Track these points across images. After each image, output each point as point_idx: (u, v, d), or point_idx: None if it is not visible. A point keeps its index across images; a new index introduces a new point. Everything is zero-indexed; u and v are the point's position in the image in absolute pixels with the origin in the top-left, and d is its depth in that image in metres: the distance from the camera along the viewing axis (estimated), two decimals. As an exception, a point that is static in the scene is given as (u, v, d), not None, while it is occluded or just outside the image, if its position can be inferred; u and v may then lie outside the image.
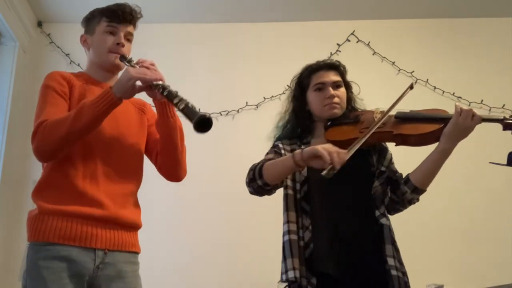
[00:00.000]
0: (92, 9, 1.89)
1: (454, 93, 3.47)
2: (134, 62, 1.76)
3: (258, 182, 1.74)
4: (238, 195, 3.31)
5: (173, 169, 1.84)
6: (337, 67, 1.94)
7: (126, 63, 1.79)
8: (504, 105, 3.42)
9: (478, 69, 3.58)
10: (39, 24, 3.69)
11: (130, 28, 1.85)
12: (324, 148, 1.57)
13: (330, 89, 1.87)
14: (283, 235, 1.75)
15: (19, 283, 3.29)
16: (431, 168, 1.73)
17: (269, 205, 3.21)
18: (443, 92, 3.49)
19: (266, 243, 3.22)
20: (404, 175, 1.81)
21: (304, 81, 1.94)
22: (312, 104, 1.90)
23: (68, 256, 1.59)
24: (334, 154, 1.55)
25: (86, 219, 1.63)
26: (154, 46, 3.63)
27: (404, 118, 1.78)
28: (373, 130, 1.72)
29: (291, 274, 1.65)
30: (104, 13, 1.82)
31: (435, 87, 3.50)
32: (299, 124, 1.88)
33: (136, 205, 1.81)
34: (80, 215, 1.62)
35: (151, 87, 1.65)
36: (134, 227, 1.78)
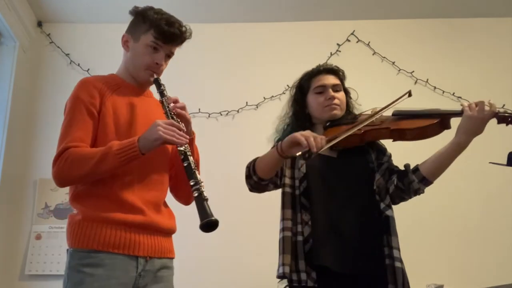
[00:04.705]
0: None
1: (454, 93, 3.48)
2: (167, 96, 1.76)
3: (254, 178, 1.84)
4: (238, 194, 3.32)
5: (186, 195, 1.87)
6: (336, 72, 1.99)
7: (158, 92, 1.78)
8: (504, 105, 3.42)
9: (478, 69, 3.58)
10: (39, 24, 3.68)
11: (174, 48, 1.83)
12: (301, 134, 1.65)
13: (331, 91, 1.91)
14: (279, 232, 1.80)
15: (19, 283, 3.28)
16: (442, 161, 1.74)
17: (269, 205, 3.22)
18: (443, 92, 3.49)
19: (267, 242, 3.22)
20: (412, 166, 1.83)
21: (305, 85, 1.98)
22: (313, 106, 1.94)
23: (112, 264, 1.59)
24: (310, 139, 1.62)
25: (130, 227, 1.63)
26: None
27: (401, 116, 1.84)
28: (360, 126, 1.78)
29: (281, 270, 1.71)
30: (153, 27, 1.76)
31: (435, 87, 3.50)
32: (299, 126, 1.91)
33: (170, 210, 1.82)
34: (123, 222, 1.62)
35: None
36: (171, 232, 1.80)
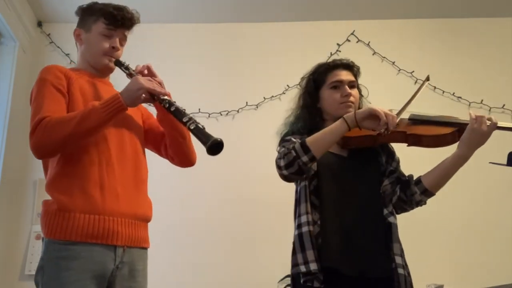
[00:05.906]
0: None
1: (454, 93, 3.47)
2: (132, 69, 1.78)
3: (303, 159, 1.65)
4: (238, 195, 3.33)
5: (186, 157, 1.88)
6: (352, 68, 1.94)
7: (124, 69, 1.80)
8: (504, 105, 3.42)
9: (478, 69, 3.58)
10: (39, 24, 3.68)
11: (126, 32, 1.86)
12: (381, 109, 1.63)
13: (347, 87, 1.87)
14: (301, 226, 1.71)
15: (19, 283, 3.27)
16: (444, 173, 1.74)
17: (270, 206, 3.22)
18: (443, 92, 3.49)
19: (266, 243, 3.22)
20: (415, 177, 1.82)
21: (319, 78, 1.93)
22: (327, 101, 1.89)
23: (89, 257, 1.57)
24: (390, 117, 1.62)
25: (108, 215, 1.61)
26: (154, 46, 3.63)
27: (418, 120, 1.80)
28: (413, 99, 1.81)
29: (313, 266, 1.63)
30: (103, 15, 1.80)
31: (435, 87, 3.49)
32: (310, 121, 1.87)
33: (147, 196, 1.81)
34: (101, 211, 1.60)
35: (154, 99, 1.67)
36: (147, 220, 1.78)
